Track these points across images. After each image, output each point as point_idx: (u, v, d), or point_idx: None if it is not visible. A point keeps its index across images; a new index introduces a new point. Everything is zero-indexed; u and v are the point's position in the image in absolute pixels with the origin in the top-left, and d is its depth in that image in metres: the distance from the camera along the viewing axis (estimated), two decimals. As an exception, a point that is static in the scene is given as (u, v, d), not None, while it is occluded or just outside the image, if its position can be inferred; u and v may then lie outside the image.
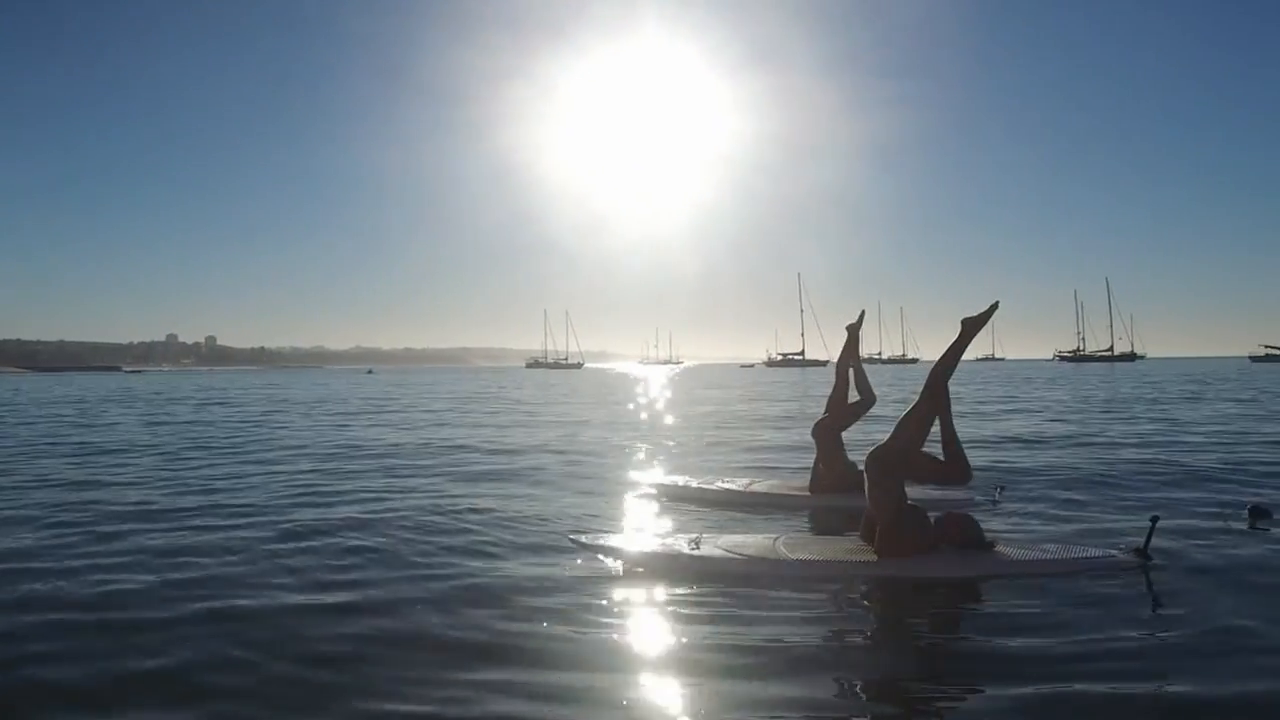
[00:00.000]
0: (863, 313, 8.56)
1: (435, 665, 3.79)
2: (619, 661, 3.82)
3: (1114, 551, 5.29)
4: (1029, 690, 3.48)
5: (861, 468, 7.70)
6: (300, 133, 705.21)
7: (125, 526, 6.71)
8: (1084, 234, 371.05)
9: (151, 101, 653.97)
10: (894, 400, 8.04)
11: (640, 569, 5.14)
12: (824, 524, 7.08)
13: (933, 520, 5.25)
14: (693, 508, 7.55)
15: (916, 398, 5.51)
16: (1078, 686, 3.50)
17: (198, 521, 6.89)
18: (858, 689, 3.63)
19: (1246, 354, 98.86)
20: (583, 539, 5.58)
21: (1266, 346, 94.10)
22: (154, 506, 7.64)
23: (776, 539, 5.54)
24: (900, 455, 5.34)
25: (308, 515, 7.07)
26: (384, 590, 4.89)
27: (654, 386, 44.13)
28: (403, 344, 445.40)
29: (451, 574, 5.20)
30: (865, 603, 4.74)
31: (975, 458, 5.63)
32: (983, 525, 5.39)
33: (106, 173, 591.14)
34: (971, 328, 5.77)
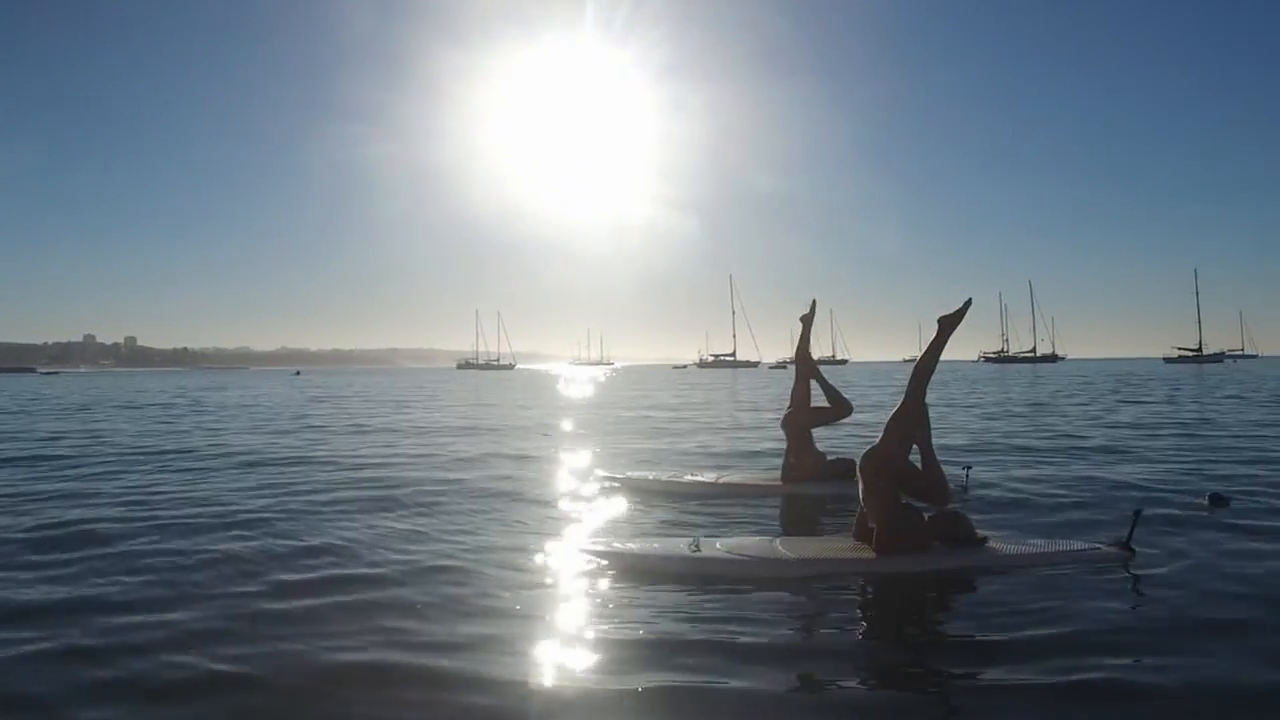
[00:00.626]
0: (814, 302, 8.70)
1: (429, 667, 3.70)
2: (621, 666, 3.76)
3: (1099, 544, 5.43)
4: (1027, 681, 3.54)
5: (831, 458, 7.90)
6: (224, 128, 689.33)
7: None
8: (1007, 236, 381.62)
9: (64, 93, 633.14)
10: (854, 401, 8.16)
11: (640, 572, 5.08)
12: (800, 511, 7.29)
13: (925, 518, 5.29)
14: (671, 501, 7.56)
15: (901, 399, 5.57)
16: (1075, 675, 3.58)
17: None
18: (860, 686, 3.64)
19: (1160, 355, 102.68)
20: (580, 542, 5.50)
21: (1179, 349, 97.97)
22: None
23: (774, 540, 5.55)
24: (893, 457, 5.35)
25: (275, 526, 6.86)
26: (375, 595, 4.74)
27: (590, 387, 43.98)
28: (330, 345, 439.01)
29: (444, 578, 5.06)
30: (864, 601, 4.78)
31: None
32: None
33: (17, 166, 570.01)
34: (948, 326, 5.82)
